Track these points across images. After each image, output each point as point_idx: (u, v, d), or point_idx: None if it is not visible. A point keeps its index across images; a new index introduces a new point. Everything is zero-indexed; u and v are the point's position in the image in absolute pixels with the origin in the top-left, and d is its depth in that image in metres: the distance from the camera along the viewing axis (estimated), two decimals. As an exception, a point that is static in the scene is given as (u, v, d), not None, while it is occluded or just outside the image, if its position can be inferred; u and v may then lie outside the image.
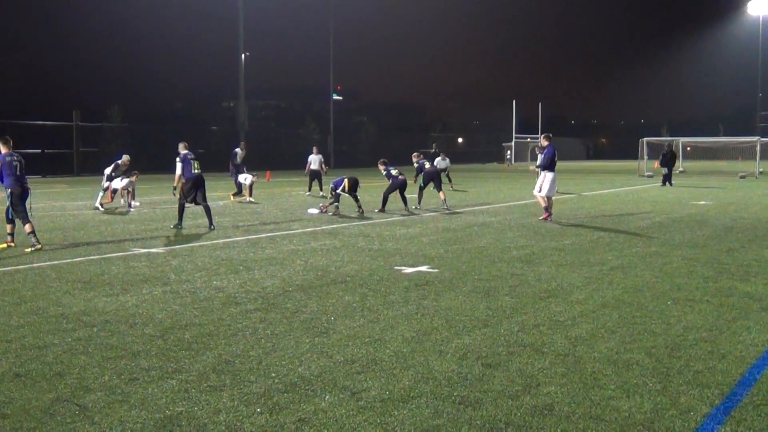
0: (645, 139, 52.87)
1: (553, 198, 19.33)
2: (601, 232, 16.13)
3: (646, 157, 51.31)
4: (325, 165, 30.78)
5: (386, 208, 21.05)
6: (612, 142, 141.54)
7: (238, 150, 28.94)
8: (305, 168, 30.52)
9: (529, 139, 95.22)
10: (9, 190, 13.33)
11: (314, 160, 29.83)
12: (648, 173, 46.80)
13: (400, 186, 21.25)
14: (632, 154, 62.38)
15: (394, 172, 21.36)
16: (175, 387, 5.76)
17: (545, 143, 19.10)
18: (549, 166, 18.59)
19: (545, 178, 18.52)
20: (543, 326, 7.67)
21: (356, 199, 20.58)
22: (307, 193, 28.88)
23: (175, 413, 5.22)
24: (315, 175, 29.70)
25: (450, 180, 34.00)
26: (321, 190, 28.96)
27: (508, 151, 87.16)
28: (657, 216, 19.80)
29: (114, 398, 5.51)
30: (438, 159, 33.20)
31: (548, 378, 5.98)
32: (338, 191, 20.40)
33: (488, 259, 12.15)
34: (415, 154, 23.75)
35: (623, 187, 35.58)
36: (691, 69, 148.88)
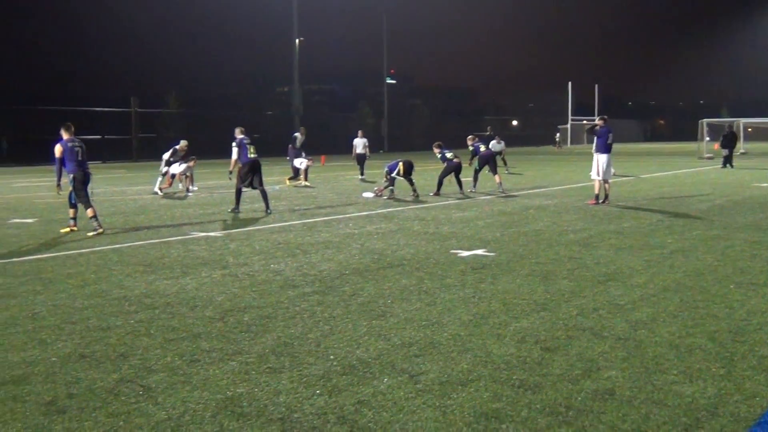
0: (705, 121, 51.87)
1: (611, 181, 19.01)
2: (661, 214, 15.87)
3: (706, 138, 50.31)
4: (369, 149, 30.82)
5: (441, 191, 20.99)
6: (670, 124, 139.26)
7: (297, 135, 28.94)
8: (351, 152, 30.63)
9: (584, 122, 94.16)
10: (71, 175, 13.60)
11: (359, 144, 29.90)
12: (708, 155, 45.86)
13: (455, 169, 21.16)
14: (691, 136, 61.26)
15: (449, 155, 21.28)
16: (235, 368, 5.83)
17: (601, 124, 18.78)
18: (602, 148, 18.28)
19: (599, 161, 18.24)
20: (602, 310, 7.58)
21: (411, 183, 20.56)
22: (360, 178, 28.88)
23: (236, 394, 5.28)
24: (361, 159, 29.72)
25: (505, 163, 33.69)
26: (362, 174, 28.96)
27: (558, 134, 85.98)
28: (717, 198, 19.41)
29: (176, 379, 5.60)
30: (493, 142, 32.85)
31: (609, 362, 5.91)
32: (393, 175, 20.41)
33: (545, 243, 12.04)
34: (470, 137, 23.62)
35: (682, 170, 34.94)
36: (752, 48, 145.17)
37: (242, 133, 17.28)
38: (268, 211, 16.75)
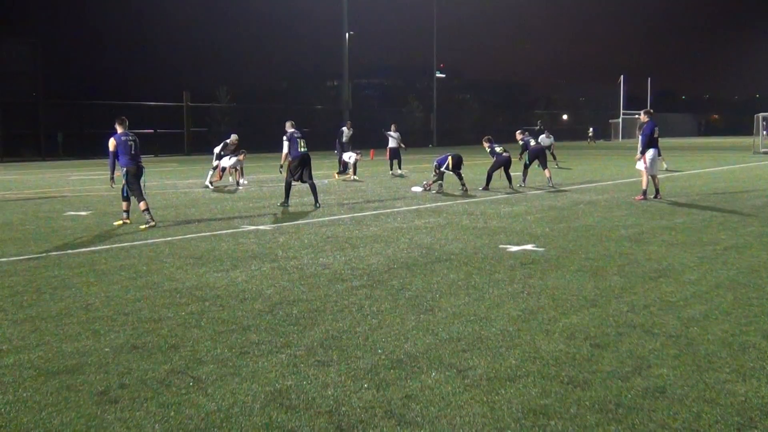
0: (761, 115, 50.75)
1: (659, 177, 18.64)
2: (714, 210, 15.60)
3: (763, 133, 49.28)
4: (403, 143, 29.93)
5: (490, 185, 20.90)
6: (725, 118, 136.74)
7: (344, 129, 29.09)
8: (386, 147, 29.93)
9: (637, 116, 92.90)
10: (124, 168, 13.81)
11: (392, 138, 29.13)
12: (764, 150, 44.95)
13: (505, 163, 21.07)
14: (746, 130, 60.07)
15: (498, 149, 21.19)
16: (284, 361, 5.87)
17: (645, 119, 18.34)
18: (649, 144, 17.79)
19: (646, 155, 17.82)
20: (653, 307, 7.48)
21: (460, 177, 20.49)
22: (390, 173, 28.44)
23: (284, 387, 5.32)
24: (394, 154, 28.95)
25: (555, 157, 33.41)
26: (399, 168, 28.45)
27: (591, 129, 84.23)
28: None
29: (226, 371, 5.66)
30: (542, 136, 32.61)
31: (660, 360, 5.83)
32: (442, 169, 20.37)
33: (595, 238, 11.92)
34: (519, 131, 23.49)
35: (737, 165, 34.28)
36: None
37: (292, 126, 17.39)
38: (317, 204, 16.85)
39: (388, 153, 29.46)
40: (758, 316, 7.08)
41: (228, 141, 23.46)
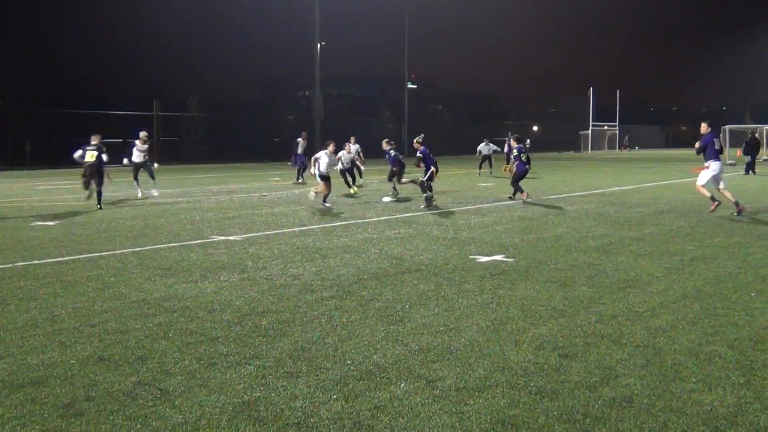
0: (727, 127, 51.57)
1: (721, 188, 17.18)
2: (681, 221, 15.76)
3: (728, 145, 49.93)
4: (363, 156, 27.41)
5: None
6: (692, 130, 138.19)
7: (299, 140, 30.33)
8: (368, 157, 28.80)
9: (605, 127, 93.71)
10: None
11: (345, 156, 25.29)
12: (730, 162, 45.43)
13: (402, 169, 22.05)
14: (714, 141, 60.73)
15: (394, 153, 22.62)
16: (252, 372, 5.84)
17: (705, 130, 17.19)
18: (712, 155, 16.83)
19: (712, 169, 16.83)
20: (621, 317, 7.54)
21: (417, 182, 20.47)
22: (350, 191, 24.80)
23: (252, 398, 5.29)
24: (349, 171, 25.26)
25: (491, 166, 35.56)
26: (354, 183, 24.81)
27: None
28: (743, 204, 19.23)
29: (194, 383, 5.62)
30: (481, 145, 35.57)
31: (627, 369, 5.87)
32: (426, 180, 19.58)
33: (564, 249, 11.99)
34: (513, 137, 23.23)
35: (704, 176, 34.61)
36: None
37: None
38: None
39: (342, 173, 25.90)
40: (724, 326, 7.15)
41: (138, 140, 23.40)
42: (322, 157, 19.86)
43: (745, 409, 5.06)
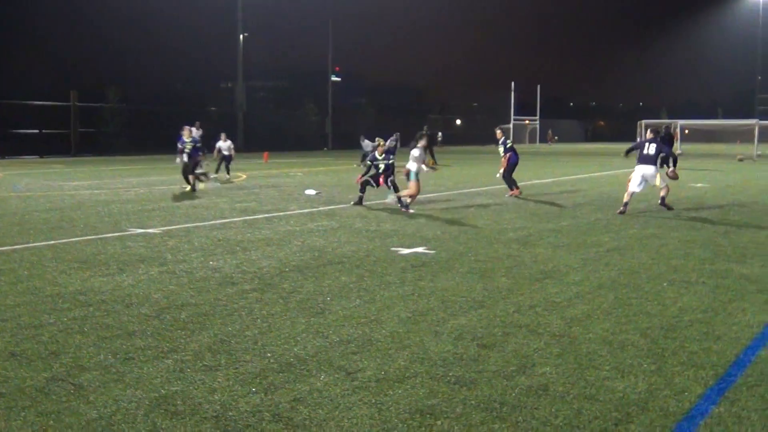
0: (644, 121, 52.95)
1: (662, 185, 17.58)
2: (598, 213, 16.13)
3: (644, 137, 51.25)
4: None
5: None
6: (610, 125, 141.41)
7: (192, 128, 29.28)
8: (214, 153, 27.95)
9: (527, 121, 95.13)
10: None
11: (223, 146, 27.12)
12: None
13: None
14: (630, 136, 62.35)
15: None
16: (170, 366, 5.77)
17: (649, 135, 17.46)
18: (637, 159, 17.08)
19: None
20: (539, 307, 7.68)
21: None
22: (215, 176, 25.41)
23: (170, 392, 5.22)
24: (226, 160, 26.95)
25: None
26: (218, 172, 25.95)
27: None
28: (654, 198, 19.76)
29: (109, 377, 5.52)
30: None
31: (543, 358, 5.99)
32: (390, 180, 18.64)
33: (485, 241, 12.14)
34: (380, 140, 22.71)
35: (622, 170, 35.47)
36: (691, 52, 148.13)
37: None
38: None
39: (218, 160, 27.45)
40: (637, 315, 7.35)
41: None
42: (414, 152, 17.27)
43: (656, 396, 5.21)
